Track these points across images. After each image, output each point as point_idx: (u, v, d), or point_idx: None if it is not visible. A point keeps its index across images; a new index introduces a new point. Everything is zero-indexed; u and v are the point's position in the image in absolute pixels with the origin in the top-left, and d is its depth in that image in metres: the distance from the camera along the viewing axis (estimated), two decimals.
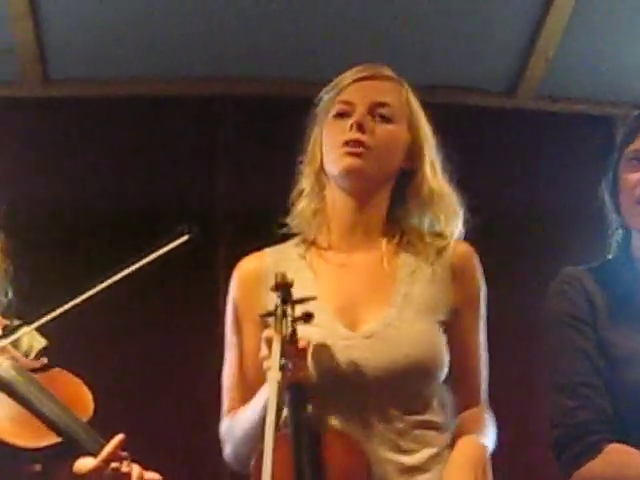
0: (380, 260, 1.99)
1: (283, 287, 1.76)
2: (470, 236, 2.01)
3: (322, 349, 1.85)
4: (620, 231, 2.00)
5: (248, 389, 1.94)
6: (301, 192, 2.03)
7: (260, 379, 1.87)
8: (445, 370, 1.93)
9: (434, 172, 1.98)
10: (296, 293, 1.76)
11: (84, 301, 1.85)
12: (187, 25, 3.47)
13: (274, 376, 1.61)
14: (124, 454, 1.72)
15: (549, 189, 3.77)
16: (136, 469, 1.73)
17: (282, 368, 1.64)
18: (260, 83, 3.74)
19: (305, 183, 2.03)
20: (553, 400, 1.88)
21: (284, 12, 3.41)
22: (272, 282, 1.79)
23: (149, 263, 1.89)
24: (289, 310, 1.73)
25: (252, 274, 2.02)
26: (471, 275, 2.01)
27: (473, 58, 3.62)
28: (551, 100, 3.92)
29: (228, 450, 1.95)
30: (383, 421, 1.87)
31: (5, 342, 1.83)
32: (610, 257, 2.02)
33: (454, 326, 1.95)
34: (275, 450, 1.56)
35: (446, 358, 1.92)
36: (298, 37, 3.52)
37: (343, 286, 1.97)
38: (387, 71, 2.02)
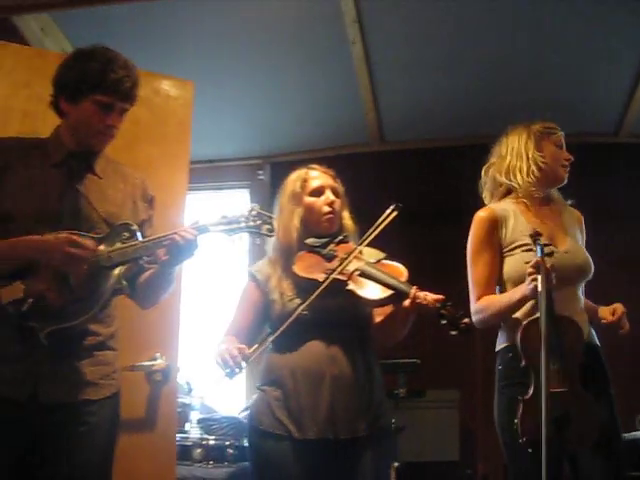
0: (554, 213, 2.95)
1: (539, 235, 2.64)
2: None
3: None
4: None
5: (489, 286, 2.84)
6: (526, 175, 2.92)
7: (491, 279, 2.84)
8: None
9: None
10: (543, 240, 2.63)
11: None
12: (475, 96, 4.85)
13: (543, 285, 2.48)
14: (421, 293, 2.51)
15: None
16: (428, 294, 2.51)
17: (544, 281, 2.48)
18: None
19: (526, 167, 2.94)
20: None
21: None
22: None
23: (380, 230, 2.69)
24: (544, 248, 2.56)
25: (490, 219, 2.88)
26: (583, 226, 3.02)
27: (591, 114, 4.76)
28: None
29: (480, 317, 2.80)
30: (578, 298, 2.83)
31: (355, 254, 2.67)
32: None
33: None
34: (533, 324, 2.59)
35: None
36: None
37: (545, 227, 2.84)
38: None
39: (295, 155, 5.48)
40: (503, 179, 2.97)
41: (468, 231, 2.96)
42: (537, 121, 3.01)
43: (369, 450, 2.61)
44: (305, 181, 2.88)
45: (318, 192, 2.85)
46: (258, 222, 2.45)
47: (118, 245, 2.41)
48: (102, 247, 2.39)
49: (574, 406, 2.52)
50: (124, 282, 2.44)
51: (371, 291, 2.59)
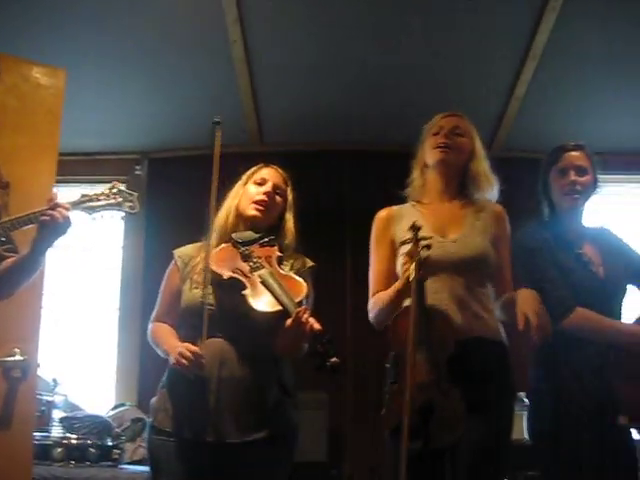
0: (455, 208, 2.92)
1: (417, 228, 2.63)
2: None
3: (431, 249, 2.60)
4: (546, 208, 3.01)
5: (382, 283, 2.85)
6: (412, 179, 3.02)
7: (386, 276, 2.85)
8: (492, 266, 2.80)
9: (481, 164, 2.95)
10: (422, 232, 2.60)
11: None
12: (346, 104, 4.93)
13: (414, 274, 2.53)
14: (306, 315, 2.41)
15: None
16: (311, 319, 2.42)
17: (415, 270, 2.53)
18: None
19: (415, 173, 3.02)
20: (539, 287, 2.71)
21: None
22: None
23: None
24: (421, 240, 2.57)
25: (385, 217, 2.97)
26: (503, 221, 2.95)
27: None
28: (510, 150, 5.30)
29: (371, 316, 2.85)
30: (464, 289, 2.74)
31: (267, 259, 2.68)
32: (545, 220, 3.02)
33: (494, 245, 2.84)
34: (403, 314, 2.60)
35: (493, 259, 2.81)
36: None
37: (437, 220, 2.87)
38: (457, 112, 3.00)
39: (174, 152, 5.47)
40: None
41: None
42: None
43: (262, 454, 2.56)
44: (254, 172, 2.93)
45: (261, 183, 2.87)
46: (119, 199, 2.47)
47: None
48: None
49: (438, 397, 2.53)
50: None
51: (261, 302, 2.54)
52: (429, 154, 2.95)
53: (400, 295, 2.69)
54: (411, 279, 2.53)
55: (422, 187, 3.00)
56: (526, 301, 2.63)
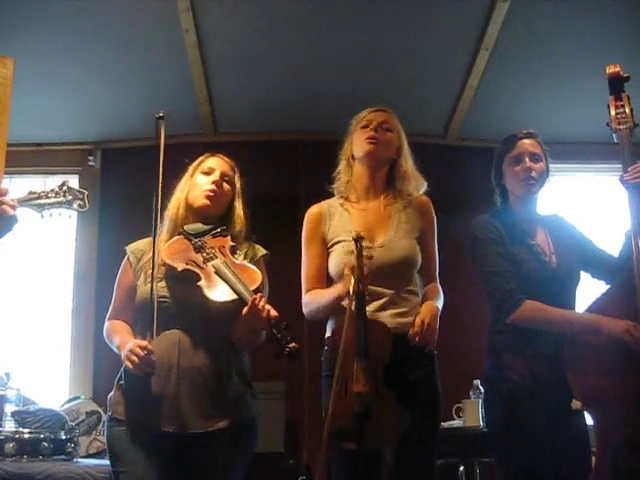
0: (382, 206, 2.94)
1: (360, 238, 2.68)
2: None
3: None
4: (499, 197, 3.04)
5: (316, 279, 2.91)
6: (339, 171, 3.05)
7: (319, 272, 2.91)
8: (419, 264, 2.87)
9: (407, 162, 2.98)
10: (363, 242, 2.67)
11: None
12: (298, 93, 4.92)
13: (354, 287, 2.57)
14: (262, 302, 2.45)
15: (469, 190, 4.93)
16: (267, 306, 2.48)
17: (355, 285, 2.58)
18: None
19: (341, 166, 3.05)
20: (490, 280, 2.80)
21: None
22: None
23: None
24: (361, 251, 2.63)
25: (317, 214, 2.99)
26: (429, 212, 2.98)
27: (421, 116, 4.77)
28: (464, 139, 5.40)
29: (307, 310, 2.90)
30: (391, 289, 2.80)
31: (220, 249, 2.70)
32: (498, 209, 3.03)
33: (421, 239, 2.91)
34: (347, 324, 2.55)
35: (419, 258, 2.88)
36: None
37: (364, 220, 2.90)
38: (386, 108, 3.02)
39: (127, 142, 5.37)
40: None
41: (302, 223, 3.02)
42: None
43: (223, 444, 2.56)
44: (201, 162, 2.92)
45: (208, 172, 2.87)
46: (69, 197, 2.46)
47: None
48: None
49: (376, 405, 2.56)
50: None
51: (217, 292, 2.55)
52: (357, 146, 2.96)
53: (339, 302, 2.73)
54: (351, 292, 2.57)
55: (348, 183, 3.02)
56: (427, 314, 2.68)
